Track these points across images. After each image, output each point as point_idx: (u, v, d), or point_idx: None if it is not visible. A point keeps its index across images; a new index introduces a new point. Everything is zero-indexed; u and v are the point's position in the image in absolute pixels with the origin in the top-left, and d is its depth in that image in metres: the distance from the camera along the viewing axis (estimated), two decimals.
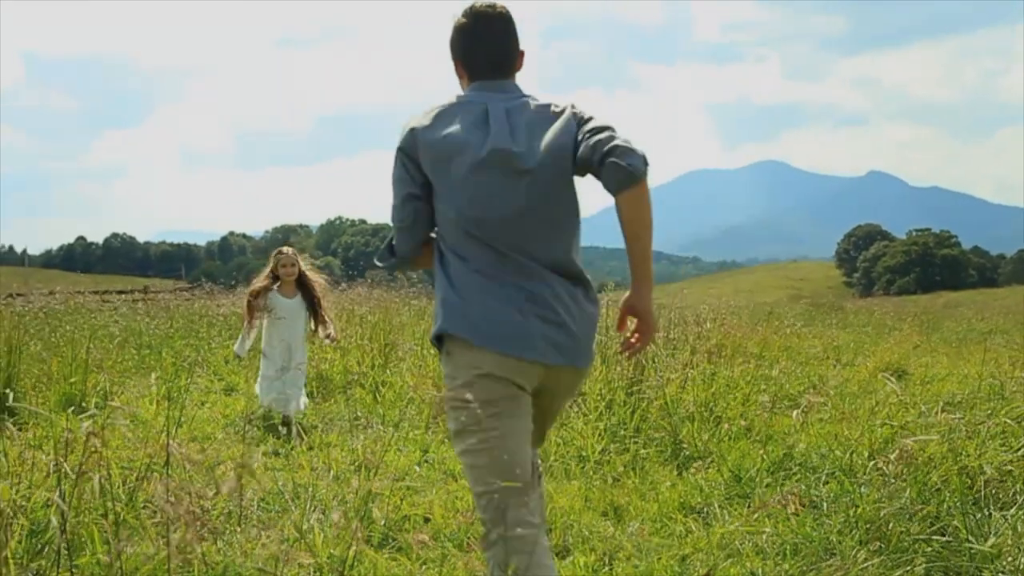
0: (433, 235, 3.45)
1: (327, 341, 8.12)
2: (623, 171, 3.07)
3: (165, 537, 3.39)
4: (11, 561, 3.44)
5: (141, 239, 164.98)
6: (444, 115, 3.33)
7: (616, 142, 3.12)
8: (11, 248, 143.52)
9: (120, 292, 25.88)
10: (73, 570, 3.65)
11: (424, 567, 4.56)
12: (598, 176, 3.19)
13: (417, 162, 3.32)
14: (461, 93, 3.47)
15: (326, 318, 8.08)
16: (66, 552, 3.62)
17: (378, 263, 3.55)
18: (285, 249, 8.18)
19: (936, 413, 6.27)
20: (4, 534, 3.48)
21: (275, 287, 7.97)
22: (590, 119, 3.30)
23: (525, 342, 3.20)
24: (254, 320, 7.95)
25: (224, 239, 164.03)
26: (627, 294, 3.31)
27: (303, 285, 8.06)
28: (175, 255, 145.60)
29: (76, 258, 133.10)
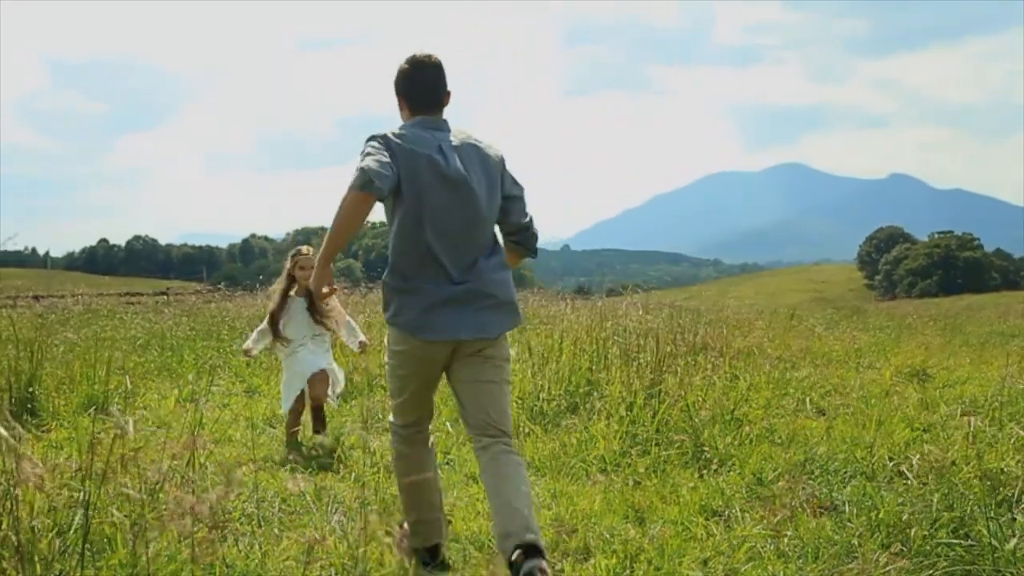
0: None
1: (357, 348, 7.40)
2: (533, 252, 4.78)
3: (187, 538, 3.40)
4: (37, 561, 3.46)
5: (163, 241, 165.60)
6: (407, 138, 4.26)
7: (534, 227, 4.72)
8: (34, 250, 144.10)
9: (142, 294, 26.01)
10: (97, 570, 3.67)
11: (445, 568, 4.57)
12: (517, 237, 4.69)
13: (395, 155, 4.17)
14: (403, 123, 4.46)
15: (333, 318, 7.33)
16: (90, 553, 3.63)
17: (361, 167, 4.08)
18: (305, 250, 7.56)
19: (958, 416, 6.25)
20: (30, 534, 3.50)
21: (292, 292, 7.42)
22: (516, 186, 4.59)
23: (435, 329, 4.26)
24: (280, 338, 7.34)
25: (245, 241, 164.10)
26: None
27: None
28: (197, 257, 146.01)
29: (98, 260, 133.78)
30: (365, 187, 3.92)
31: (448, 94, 4.51)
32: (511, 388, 4.84)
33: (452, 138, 4.37)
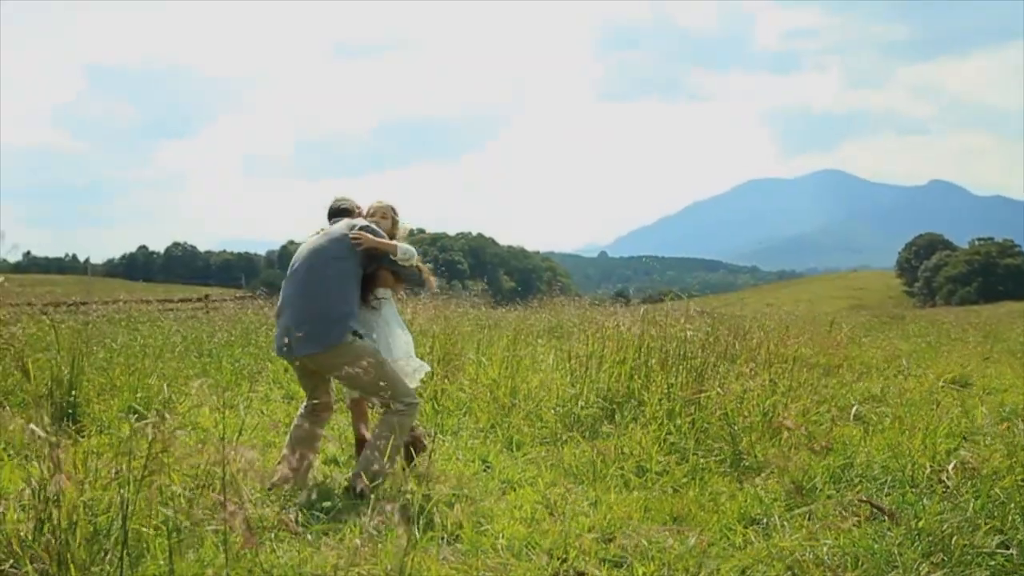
0: None
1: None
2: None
3: (224, 544, 3.41)
4: (72, 566, 3.47)
5: (202, 248, 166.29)
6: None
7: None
8: (74, 257, 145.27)
9: (181, 300, 26.18)
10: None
11: None
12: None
13: None
14: None
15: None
16: (128, 558, 3.64)
17: None
18: (380, 202, 6.73)
19: (1000, 424, 6.17)
20: (68, 539, 3.51)
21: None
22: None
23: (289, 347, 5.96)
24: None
25: (284, 248, 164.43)
26: None
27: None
28: (235, 264, 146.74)
29: (138, 267, 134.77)
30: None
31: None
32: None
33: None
